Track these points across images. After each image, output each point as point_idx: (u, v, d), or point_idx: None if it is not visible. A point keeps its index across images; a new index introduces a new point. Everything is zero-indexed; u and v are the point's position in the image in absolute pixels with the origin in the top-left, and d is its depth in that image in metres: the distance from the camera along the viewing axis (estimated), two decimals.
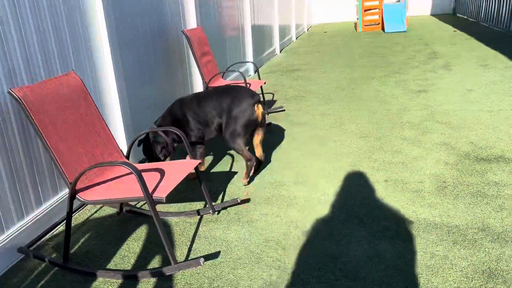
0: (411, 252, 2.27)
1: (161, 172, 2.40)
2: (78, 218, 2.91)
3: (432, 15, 16.89)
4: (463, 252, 2.23)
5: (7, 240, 2.40)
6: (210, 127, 3.18)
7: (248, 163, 3.13)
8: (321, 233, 2.51)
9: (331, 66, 7.76)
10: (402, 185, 3.01)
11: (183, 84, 4.80)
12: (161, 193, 2.14)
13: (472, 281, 2.02)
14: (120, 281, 2.21)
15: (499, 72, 6.17)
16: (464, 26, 12.10)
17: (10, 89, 2.08)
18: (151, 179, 2.33)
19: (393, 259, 2.22)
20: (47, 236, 2.69)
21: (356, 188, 3.03)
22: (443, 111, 4.57)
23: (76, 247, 2.56)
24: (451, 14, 16.58)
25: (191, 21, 4.96)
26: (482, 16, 12.44)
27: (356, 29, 13.73)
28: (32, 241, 2.53)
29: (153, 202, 2.09)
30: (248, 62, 5.14)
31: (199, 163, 2.74)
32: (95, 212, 2.97)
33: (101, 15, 3.21)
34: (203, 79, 4.41)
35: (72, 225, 2.82)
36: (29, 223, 2.55)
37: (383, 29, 12.68)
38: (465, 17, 14.68)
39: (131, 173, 2.43)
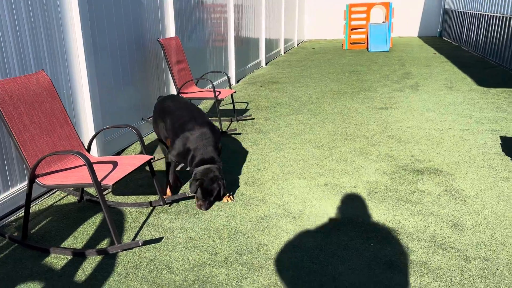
0: (329, 243, 2.58)
1: (114, 164, 2.71)
2: (43, 204, 3.20)
3: (419, 37, 17.43)
4: (372, 246, 2.55)
5: None
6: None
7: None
8: (256, 225, 2.82)
9: (308, 80, 8.14)
10: (339, 189, 3.33)
11: (159, 90, 5.13)
12: (109, 181, 2.45)
13: (371, 269, 2.33)
14: (69, 257, 2.51)
15: (461, 94, 6.56)
16: (445, 49, 12.58)
17: None
18: (103, 169, 2.64)
19: (312, 249, 2.54)
20: (12, 218, 2.98)
21: (297, 189, 3.35)
22: (397, 127, 4.93)
23: (36, 228, 2.85)
24: (437, 37, 17.14)
25: (170, 30, 5.31)
26: (463, 40, 12.95)
27: (342, 47, 14.19)
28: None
29: (100, 188, 2.40)
30: (219, 71, 5.48)
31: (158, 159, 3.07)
32: (59, 199, 3.27)
33: (77, 19, 3.55)
34: (175, 85, 4.74)
35: (36, 209, 3.11)
36: None
37: (368, 48, 13.13)
38: (450, 40, 15.21)
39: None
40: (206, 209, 3.03)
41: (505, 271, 2.29)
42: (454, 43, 14.38)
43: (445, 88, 7.01)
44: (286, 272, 2.32)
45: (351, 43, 13.91)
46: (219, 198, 3.13)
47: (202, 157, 3.06)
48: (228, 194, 3.20)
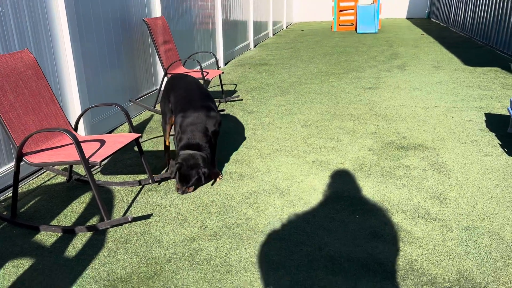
0: (316, 216, 2.64)
1: (102, 142, 2.72)
2: (31, 184, 3.20)
3: (408, 18, 17.44)
4: (358, 218, 2.61)
5: None
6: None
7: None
8: (244, 201, 2.86)
9: (297, 62, 8.13)
10: (326, 166, 3.38)
11: (146, 71, 5.09)
12: (97, 158, 2.46)
13: (356, 239, 2.39)
14: (59, 234, 2.53)
15: (448, 73, 6.62)
16: (433, 30, 12.62)
17: None
18: (91, 147, 2.64)
19: (299, 222, 2.59)
20: (1, 198, 2.98)
21: (285, 167, 3.39)
22: (384, 106, 4.97)
23: (25, 208, 2.86)
24: (425, 18, 17.16)
25: (156, 10, 5.25)
26: (451, 21, 12.99)
27: (331, 28, 14.15)
28: None
29: (88, 165, 2.41)
30: (206, 52, 5.46)
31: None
32: (48, 180, 3.27)
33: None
34: (162, 65, 4.72)
35: (25, 189, 3.12)
36: None
37: (356, 29, 13.11)
38: (438, 21, 15.25)
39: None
40: (183, 193, 2.96)
41: (486, 239, 2.37)
42: (442, 24, 14.42)
43: (432, 68, 7.06)
44: (274, 244, 2.37)
45: (339, 25, 13.87)
46: (197, 185, 3.05)
47: (188, 142, 3.01)
48: (217, 174, 3.22)
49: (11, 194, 3.02)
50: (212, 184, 3.11)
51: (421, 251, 2.27)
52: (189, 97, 3.21)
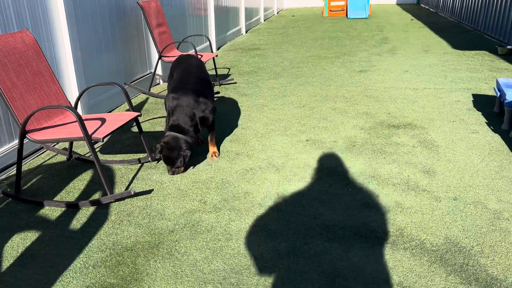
0: (312, 190, 2.75)
1: (102, 120, 2.79)
2: (32, 163, 3.27)
3: (398, 4, 17.51)
4: (350, 191, 2.74)
5: None
6: None
7: None
8: (241, 177, 2.97)
9: (289, 46, 8.19)
10: (319, 144, 3.49)
11: (140, 55, 5.13)
12: (100, 134, 2.53)
13: (349, 209, 2.52)
14: (63, 209, 2.61)
15: (437, 57, 6.75)
16: (423, 15, 12.73)
17: None
18: (92, 125, 2.72)
19: (295, 195, 2.70)
20: (2, 177, 3.05)
21: (280, 145, 3.50)
22: (374, 88, 5.09)
23: (28, 185, 2.93)
24: (415, 3, 17.24)
25: None
26: (440, 6, 13.10)
27: (322, 14, 14.18)
28: None
29: (91, 141, 2.49)
30: (201, 35, 5.50)
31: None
32: (48, 159, 3.34)
33: None
34: (157, 48, 4.76)
35: (26, 168, 3.18)
36: None
37: (347, 15, 13.16)
38: (427, 7, 15.35)
39: (75, 121, 2.81)
40: (172, 174, 3.00)
41: (471, 208, 2.50)
42: (431, 9, 14.53)
43: (421, 52, 7.18)
44: (271, 215, 2.49)
45: (330, 11, 13.91)
46: (185, 166, 3.05)
47: (173, 124, 3.01)
48: (214, 152, 3.30)
49: (12, 173, 3.09)
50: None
51: (411, 220, 2.40)
52: (184, 79, 3.24)
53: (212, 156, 3.29)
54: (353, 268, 2.03)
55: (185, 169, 3.09)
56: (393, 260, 2.08)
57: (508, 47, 6.64)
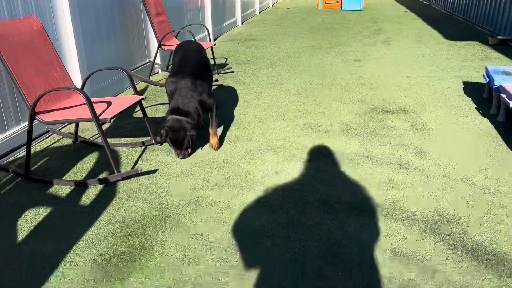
0: (309, 169, 2.89)
1: (108, 103, 2.90)
2: (38, 146, 3.38)
3: None
4: (347, 169, 2.88)
5: None
6: None
7: None
8: (242, 158, 3.10)
9: (284, 37, 8.31)
10: (316, 128, 3.63)
11: (139, 45, 5.23)
12: (107, 115, 2.65)
13: (345, 185, 2.66)
14: (72, 187, 2.73)
15: (429, 47, 6.90)
16: (416, 7, 12.87)
17: None
18: (99, 107, 2.83)
19: (293, 173, 2.84)
20: (11, 159, 3.15)
21: (278, 129, 3.63)
22: (369, 76, 5.23)
23: (36, 166, 3.04)
24: None
25: None
26: None
27: (317, 6, 14.28)
28: None
29: (99, 121, 2.60)
30: (200, 24, 5.60)
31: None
32: (54, 142, 3.45)
33: None
34: (156, 37, 4.86)
35: (33, 151, 3.29)
36: None
37: (342, 7, 13.27)
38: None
39: (83, 103, 2.92)
40: (183, 157, 3.07)
41: (460, 183, 2.65)
42: (424, 2, 14.67)
43: (414, 42, 7.33)
44: (271, 191, 2.62)
45: (325, 3, 14.00)
46: (192, 147, 3.12)
47: (172, 107, 3.09)
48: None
49: (20, 155, 3.20)
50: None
51: (403, 194, 2.55)
52: (183, 63, 3.32)
53: (210, 147, 3.26)
54: (348, 236, 2.17)
55: (192, 151, 3.19)
56: (386, 229, 2.22)
57: (499, 37, 6.80)
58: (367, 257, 2.02)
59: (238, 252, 2.07)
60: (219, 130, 3.63)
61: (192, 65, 3.33)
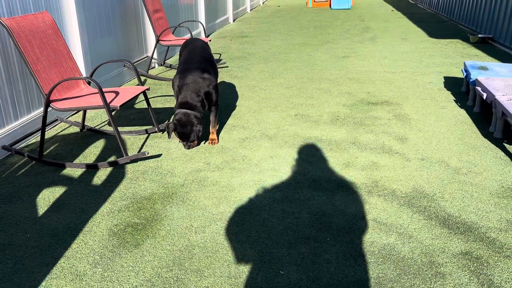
0: (300, 153, 3.17)
1: (116, 93, 3.14)
2: (47, 134, 3.60)
3: None
4: (334, 154, 3.16)
5: None
6: None
7: None
8: (238, 144, 3.36)
9: (275, 34, 8.58)
10: (306, 118, 3.91)
11: (137, 39, 5.45)
12: (116, 103, 2.89)
13: (333, 168, 2.95)
14: (84, 170, 2.97)
15: (414, 44, 7.23)
16: (403, 6, 13.24)
17: (1, 18, 2.73)
18: (109, 96, 3.07)
19: (286, 157, 3.11)
20: (23, 145, 3.38)
21: (271, 119, 3.90)
22: (356, 71, 5.53)
23: (47, 151, 3.27)
24: None
25: None
26: None
27: (307, 5, 14.57)
28: (12, 143, 3.22)
29: (109, 109, 2.84)
30: (196, 21, 5.84)
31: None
32: (61, 131, 3.67)
33: None
34: (155, 33, 5.09)
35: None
36: (7, 132, 3.23)
37: (331, 6, 13.58)
38: None
39: (92, 93, 3.15)
40: (189, 148, 3.24)
41: (436, 166, 2.96)
42: (411, 1, 15.05)
43: (400, 40, 7.65)
44: (266, 172, 2.89)
45: (314, 1, 14.29)
46: (198, 139, 3.26)
47: (181, 101, 3.24)
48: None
49: (31, 141, 3.42)
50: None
51: (384, 174, 2.84)
52: (189, 59, 3.53)
53: (210, 143, 3.40)
54: (336, 209, 2.45)
55: (198, 143, 3.42)
56: (369, 203, 2.51)
57: (479, 35, 7.16)
58: (352, 225, 2.30)
59: (239, 223, 2.34)
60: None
61: (198, 60, 3.47)
